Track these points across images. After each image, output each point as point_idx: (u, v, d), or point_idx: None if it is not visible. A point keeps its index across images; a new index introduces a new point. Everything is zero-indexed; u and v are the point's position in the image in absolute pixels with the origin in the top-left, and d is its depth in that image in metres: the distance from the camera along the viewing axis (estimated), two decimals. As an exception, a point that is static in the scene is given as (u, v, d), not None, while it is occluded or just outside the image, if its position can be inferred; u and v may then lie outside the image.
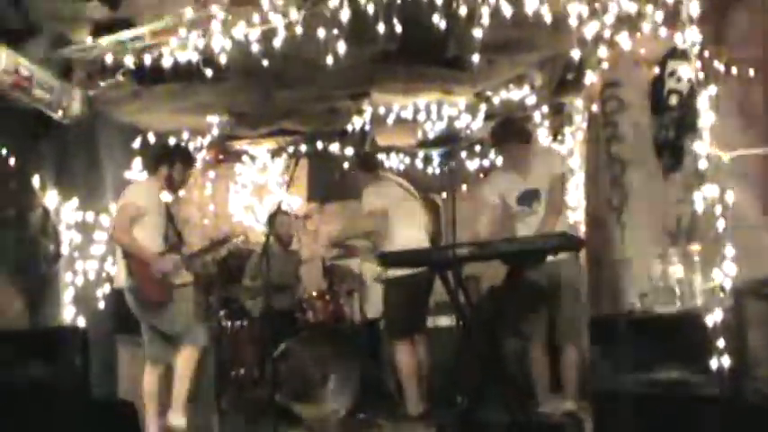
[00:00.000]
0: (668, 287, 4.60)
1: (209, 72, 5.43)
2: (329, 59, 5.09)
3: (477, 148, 9.42)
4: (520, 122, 6.92)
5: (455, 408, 6.26)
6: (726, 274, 3.83)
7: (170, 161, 6.53)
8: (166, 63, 5.48)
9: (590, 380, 4.93)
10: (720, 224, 3.87)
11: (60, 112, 5.72)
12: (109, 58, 5.51)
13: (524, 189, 6.37)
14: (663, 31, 5.04)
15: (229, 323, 8.06)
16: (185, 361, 6.32)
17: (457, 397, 6.30)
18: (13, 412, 4.96)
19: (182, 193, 8.66)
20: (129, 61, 5.54)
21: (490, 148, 9.31)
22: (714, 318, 3.79)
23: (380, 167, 7.58)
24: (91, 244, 7.04)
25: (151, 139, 8.02)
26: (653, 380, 4.22)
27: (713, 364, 3.79)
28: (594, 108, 5.89)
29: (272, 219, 7.59)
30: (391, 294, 6.99)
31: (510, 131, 6.51)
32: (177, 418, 6.14)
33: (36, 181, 6.27)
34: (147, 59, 5.48)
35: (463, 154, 9.54)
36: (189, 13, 5.10)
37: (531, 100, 7.42)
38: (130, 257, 6.14)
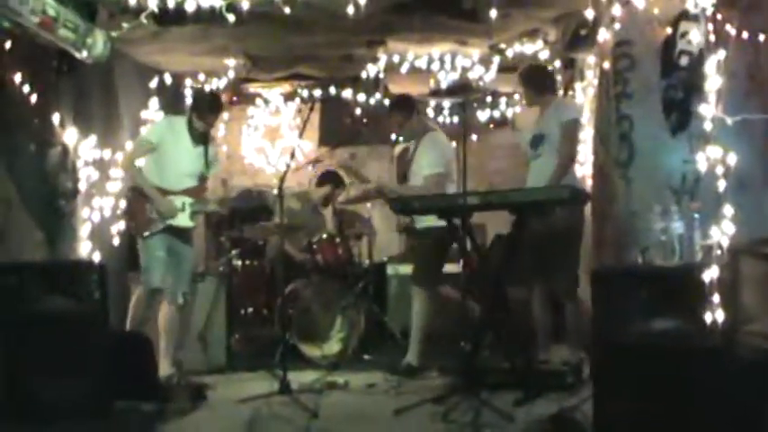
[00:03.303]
0: (669, 242, 4.74)
1: (230, 17, 5.51)
2: (350, 9, 5.17)
3: (489, 99, 9.52)
4: (550, 72, 7.05)
5: (458, 353, 6.45)
6: (723, 232, 3.96)
7: (195, 104, 6.74)
8: (189, 7, 5.55)
9: (590, 330, 5.07)
10: (721, 185, 4.00)
11: (84, 52, 5.82)
12: (132, 1, 5.59)
13: (535, 133, 6.61)
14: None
15: (240, 263, 8.24)
16: (163, 316, 6.57)
17: (460, 343, 6.47)
18: (34, 342, 5.10)
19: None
20: (153, 4, 5.62)
21: (506, 97, 9.51)
22: (711, 274, 3.92)
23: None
24: (107, 181, 7.19)
25: (167, 79, 8.14)
26: (651, 331, 4.34)
27: (708, 318, 3.93)
28: (606, 65, 5.97)
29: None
30: (422, 245, 7.00)
31: (539, 78, 6.73)
32: (165, 368, 6.37)
33: (56, 118, 6.38)
34: (171, 2, 5.55)
35: (474, 104, 9.64)
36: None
37: (544, 54, 7.50)
38: (132, 189, 6.53)
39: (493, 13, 5.62)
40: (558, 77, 8.00)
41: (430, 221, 6.63)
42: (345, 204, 8.73)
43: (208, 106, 6.61)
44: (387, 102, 8.96)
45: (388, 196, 7.03)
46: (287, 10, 5.41)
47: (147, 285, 6.52)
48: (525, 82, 6.83)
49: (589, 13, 5.39)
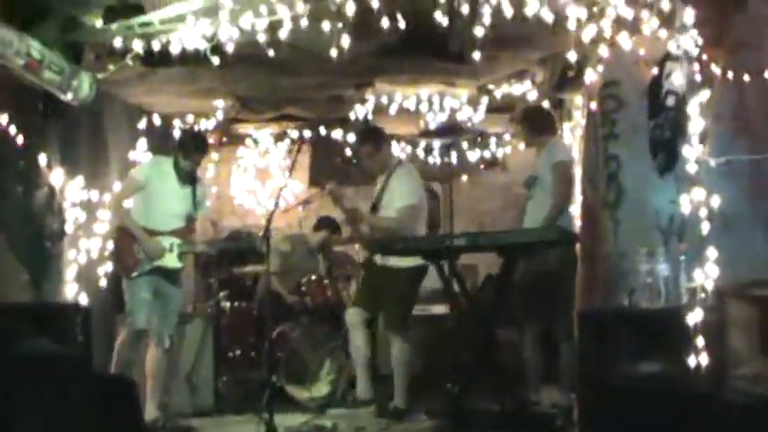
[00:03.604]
0: (655, 284, 4.73)
1: (215, 60, 5.52)
2: (334, 52, 5.19)
3: (479, 139, 9.55)
4: (547, 112, 7.07)
5: (446, 395, 6.39)
6: (707, 275, 3.94)
7: (181, 144, 6.71)
8: (174, 49, 5.57)
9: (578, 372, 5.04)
10: (705, 227, 3.98)
11: (70, 94, 5.82)
12: (118, 42, 5.60)
13: (530, 174, 6.66)
14: (663, 33, 5.13)
15: (228, 304, 8.19)
16: (150, 359, 6.54)
17: (447, 385, 6.41)
18: (17, 384, 5.05)
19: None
20: (138, 46, 5.63)
21: (496, 137, 9.53)
22: (695, 317, 3.89)
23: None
24: (94, 222, 7.14)
25: (156, 120, 8.14)
26: (638, 374, 4.32)
27: (693, 361, 3.90)
28: (593, 106, 5.97)
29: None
30: (397, 287, 6.80)
31: (536, 119, 6.79)
32: (150, 412, 6.33)
33: (43, 159, 6.35)
34: (156, 45, 5.57)
35: (464, 145, 9.66)
36: (197, 1, 5.19)
37: (532, 95, 7.51)
38: (119, 230, 6.54)
39: (478, 57, 5.61)
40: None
41: (406, 260, 6.59)
42: (340, 245, 8.73)
43: (193, 146, 6.61)
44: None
45: (361, 223, 7.06)
46: (271, 52, 5.41)
47: (132, 327, 6.47)
48: (522, 122, 6.88)
49: (574, 55, 5.38)
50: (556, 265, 6.16)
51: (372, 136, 7.20)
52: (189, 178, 6.64)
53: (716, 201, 3.93)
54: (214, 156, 10.12)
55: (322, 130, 9.12)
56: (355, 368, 7.00)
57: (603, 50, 5.54)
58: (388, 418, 6.66)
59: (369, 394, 6.88)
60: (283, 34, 5.23)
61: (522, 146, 8.68)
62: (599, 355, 4.50)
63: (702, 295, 3.88)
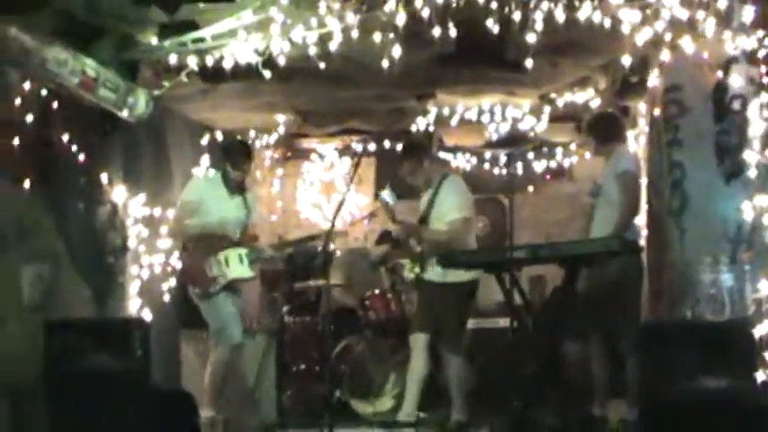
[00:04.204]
0: (719, 295, 4.57)
1: (267, 73, 5.52)
2: (385, 62, 5.15)
3: (544, 149, 9.43)
4: (615, 120, 6.88)
5: (510, 411, 6.27)
6: (773, 285, 3.78)
7: (227, 155, 6.87)
8: (227, 64, 5.58)
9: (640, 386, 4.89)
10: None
11: (126, 111, 5.88)
12: (173, 59, 5.64)
13: (597, 183, 6.54)
14: (726, 34, 4.97)
15: (293, 319, 8.18)
16: (214, 358, 6.60)
17: (513, 400, 6.30)
18: (79, 401, 5.09)
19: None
20: (192, 62, 5.66)
21: (562, 147, 9.39)
22: (762, 329, 3.73)
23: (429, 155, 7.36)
24: (157, 238, 7.19)
25: (219, 136, 8.19)
26: (701, 389, 4.17)
27: (759, 375, 3.74)
28: (656, 112, 5.83)
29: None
30: (456, 303, 6.73)
31: (603, 127, 6.68)
32: (204, 411, 6.34)
33: (104, 177, 6.42)
34: (209, 60, 5.59)
35: (529, 155, 9.54)
36: (248, 16, 5.19)
37: (595, 102, 7.36)
38: (186, 252, 6.67)
39: (531, 64, 5.51)
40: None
41: (462, 275, 6.49)
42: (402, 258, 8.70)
43: (239, 154, 6.79)
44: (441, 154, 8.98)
45: (412, 236, 7.03)
46: (322, 65, 5.39)
47: (230, 342, 6.56)
48: (589, 130, 6.78)
49: (629, 59, 5.25)
50: (619, 276, 6.02)
51: (414, 150, 7.17)
52: (238, 188, 6.80)
53: (781, 207, 3.77)
54: (279, 170, 10.19)
55: (386, 143, 9.08)
56: (408, 387, 6.89)
57: (665, 54, 5.39)
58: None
59: (412, 417, 6.79)
60: (334, 46, 5.20)
61: (587, 155, 8.59)
62: (662, 369, 4.35)
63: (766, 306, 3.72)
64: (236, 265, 6.68)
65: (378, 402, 7.34)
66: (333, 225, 6.38)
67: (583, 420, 5.93)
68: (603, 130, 6.65)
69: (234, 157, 6.78)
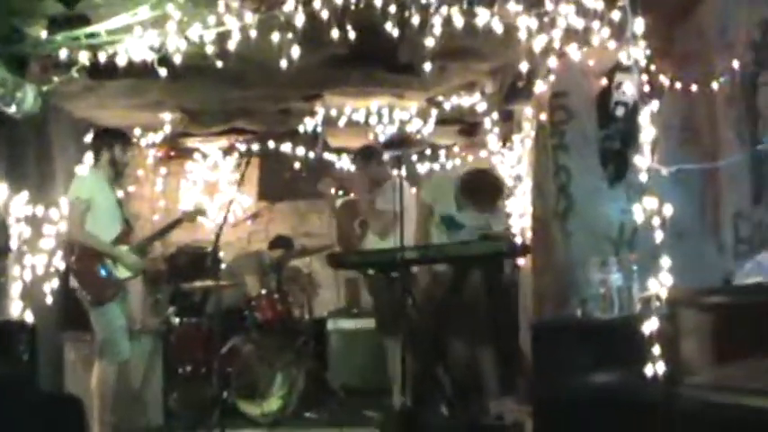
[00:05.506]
0: (608, 294, 4.73)
1: (163, 71, 5.43)
2: (283, 63, 5.14)
3: (428, 151, 9.56)
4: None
5: (397, 408, 6.34)
6: (662, 284, 3.94)
7: (108, 145, 6.66)
8: (121, 61, 5.47)
9: (532, 383, 5.03)
10: (658, 236, 3.99)
11: (13, 107, 5.69)
12: (63, 54, 5.49)
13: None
14: (612, 44, 5.15)
15: (178, 320, 8.08)
16: (101, 375, 6.31)
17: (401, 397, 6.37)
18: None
19: (131, 188, 8.72)
20: (84, 57, 5.51)
21: (446, 149, 9.54)
22: (650, 326, 3.89)
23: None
24: (40, 238, 6.99)
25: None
26: (591, 385, 4.31)
27: (648, 370, 3.89)
28: (543, 117, 5.99)
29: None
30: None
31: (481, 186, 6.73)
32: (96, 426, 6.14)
33: (-15, 174, 6.23)
34: (102, 56, 5.46)
35: (414, 157, 9.66)
36: (145, 12, 5.11)
37: (481, 106, 7.52)
38: (74, 256, 6.36)
39: (428, 68, 5.58)
40: (496, 130, 8.01)
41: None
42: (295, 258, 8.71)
43: (123, 137, 6.72)
44: (326, 155, 9.01)
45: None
46: (219, 64, 5.33)
47: (119, 357, 6.34)
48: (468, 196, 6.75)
49: (524, 66, 5.39)
50: (505, 278, 6.17)
51: (357, 157, 7.32)
52: (114, 182, 6.68)
53: (668, 210, 3.94)
54: (162, 169, 10.05)
55: (271, 144, 9.05)
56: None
57: (552, 61, 5.55)
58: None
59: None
60: (232, 45, 5.16)
61: (471, 158, 8.78)
62: (552, 367, 4.48)
63: (657, 304, 3.87)
64: None
65: (265, 403, 7.30)
66: (223, 224, 6.33)
67: (472, 418, 6.04)
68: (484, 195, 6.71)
69: (123, 140, 6.69)
